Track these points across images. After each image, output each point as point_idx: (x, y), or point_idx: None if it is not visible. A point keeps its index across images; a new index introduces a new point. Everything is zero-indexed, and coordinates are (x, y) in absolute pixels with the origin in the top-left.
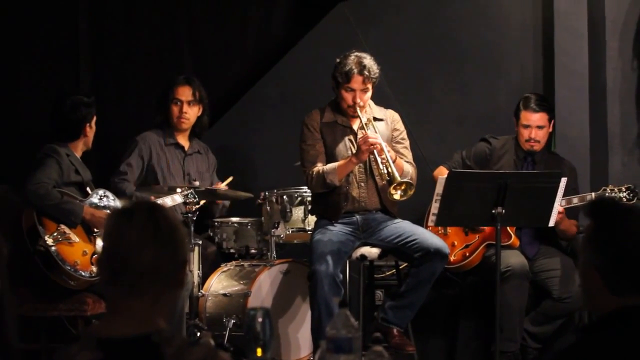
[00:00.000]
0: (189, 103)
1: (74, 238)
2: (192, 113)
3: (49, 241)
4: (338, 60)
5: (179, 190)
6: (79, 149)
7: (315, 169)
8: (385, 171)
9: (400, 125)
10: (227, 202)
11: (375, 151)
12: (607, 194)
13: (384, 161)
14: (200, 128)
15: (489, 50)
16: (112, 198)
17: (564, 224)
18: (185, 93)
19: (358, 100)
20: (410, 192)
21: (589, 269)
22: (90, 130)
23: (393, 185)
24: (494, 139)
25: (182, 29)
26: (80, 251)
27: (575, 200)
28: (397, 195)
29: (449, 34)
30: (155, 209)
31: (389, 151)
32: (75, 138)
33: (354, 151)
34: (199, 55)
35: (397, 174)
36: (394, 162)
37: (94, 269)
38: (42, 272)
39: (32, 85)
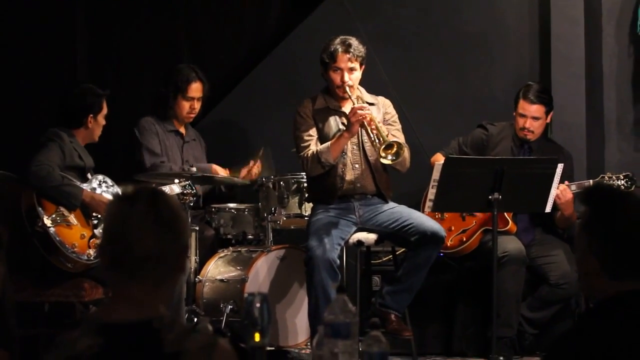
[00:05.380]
0: (198, 99)
1: (73, 221)
2: (198, 108)
3: (48, 222)
4: (324, 44)
5: (177, 180)
6: (81, 137)
7: (310, 151)
8: (377, 140)
9: (391, 109)
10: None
11: (365, 122)
12: (605, 182)
13: (373, 129)
14: (196, 117)
15: (485, 37)
16: (111, 184)
17: (569, 210)
18: (197, 90)
19: (346, 79)
20: (403, 153)
21: (586, 255)
22: (95, 123)
23: (382, 147)
24: (491, 125)
25: (180, 16)
26: (78, 234)
27: (574, 187)
28: (387, 160)
29: (446, 22)
30: (157, 195)
31: (379, 122)
32: (77, 126)
33: None
34: (196, 43)
35: (386, 138)
36: (386, 135)
37: (92, 252)
38: (41, 254)
39: (31, 76)
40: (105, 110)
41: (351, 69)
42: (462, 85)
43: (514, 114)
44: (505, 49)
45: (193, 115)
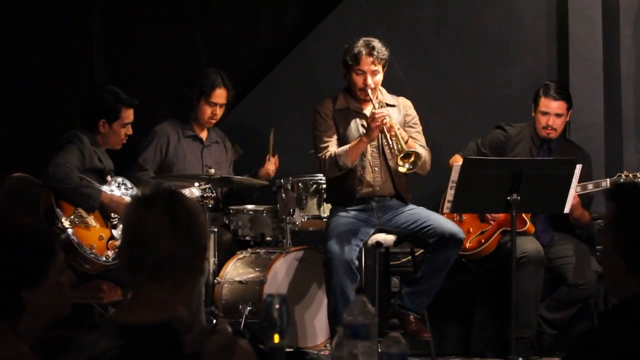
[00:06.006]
0: (221, 106)
1: (91, 222)
2: (221, 113)
3: (66, 223)
4: (347, 45)
5: (197, 183)
6: (100, 140)
7: (328, 153)
8: (395, 147)
9: (412, 111)
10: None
11: (384, 128)
12: (622, 180)
13: (393, 137)
14: (219, 120)
15: (503, 38)
16: (130, 186)
17: (577, 211)
18: (222, 96)
19: (369, 82)
20: (420, 163)
21: (611, 253)
22: (110, 130)
23: (400, 156)
24: (509, 126)
25: (197, 18)
26: (96, 235)
27: (590, 187)
28: (404, 168)
29: (464, 22)
30: (175, 196)
31: (398, 129)
32: (92, 128)
33: None
34: (214, 44)
35: (404, 146)
36: (405, 142)
37: (110, 253)
38: None
39: (48, 78)
40: (125, 120)
41: (374, 72)
42: (480, 86)
43: (533, 114)
44: (523, 50)
45: (214, 121)
